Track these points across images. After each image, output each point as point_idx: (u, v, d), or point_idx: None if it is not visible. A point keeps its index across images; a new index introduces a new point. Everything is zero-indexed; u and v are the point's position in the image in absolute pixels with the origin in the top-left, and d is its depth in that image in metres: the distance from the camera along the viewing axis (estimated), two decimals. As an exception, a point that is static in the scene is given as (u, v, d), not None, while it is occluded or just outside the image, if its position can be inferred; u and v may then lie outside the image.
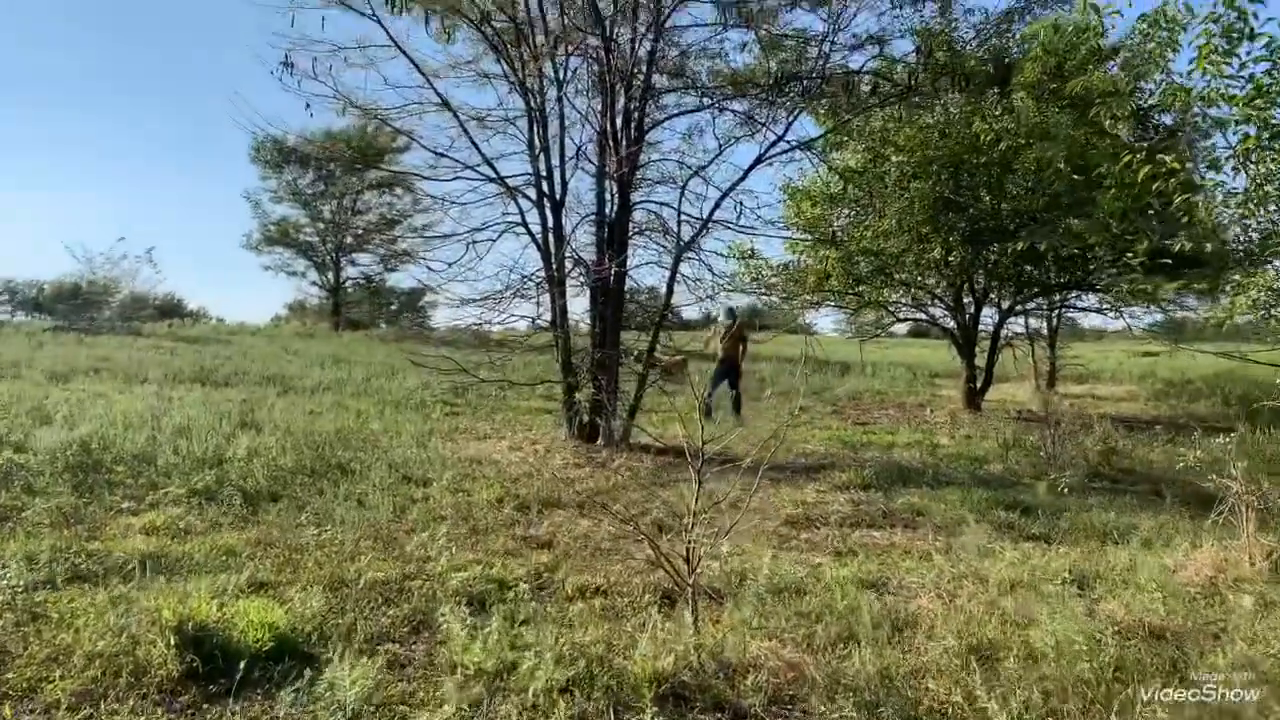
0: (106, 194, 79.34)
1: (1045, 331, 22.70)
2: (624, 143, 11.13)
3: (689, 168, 11.81)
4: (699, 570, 4.65)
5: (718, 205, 11.57)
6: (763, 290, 15.62)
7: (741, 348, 15.57)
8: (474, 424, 12.96)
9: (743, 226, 11.47)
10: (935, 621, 4.91)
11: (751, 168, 11.79)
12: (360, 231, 40.61)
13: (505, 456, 10.38)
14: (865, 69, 11.27)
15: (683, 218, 11.66)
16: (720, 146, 12.15)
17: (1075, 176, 9.20)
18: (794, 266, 16.28)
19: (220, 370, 17.11)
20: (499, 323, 11.68)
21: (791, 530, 7.18)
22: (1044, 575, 5.77)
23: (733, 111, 12.02)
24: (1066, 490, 8.53)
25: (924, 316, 18.33)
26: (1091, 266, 15.65)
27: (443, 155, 11.54)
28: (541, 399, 15.39)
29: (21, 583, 5.09)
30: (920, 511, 7.92)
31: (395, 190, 39.61)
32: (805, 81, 10.72)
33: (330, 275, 40.60)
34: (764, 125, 11.39)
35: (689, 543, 4.53)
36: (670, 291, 11.76)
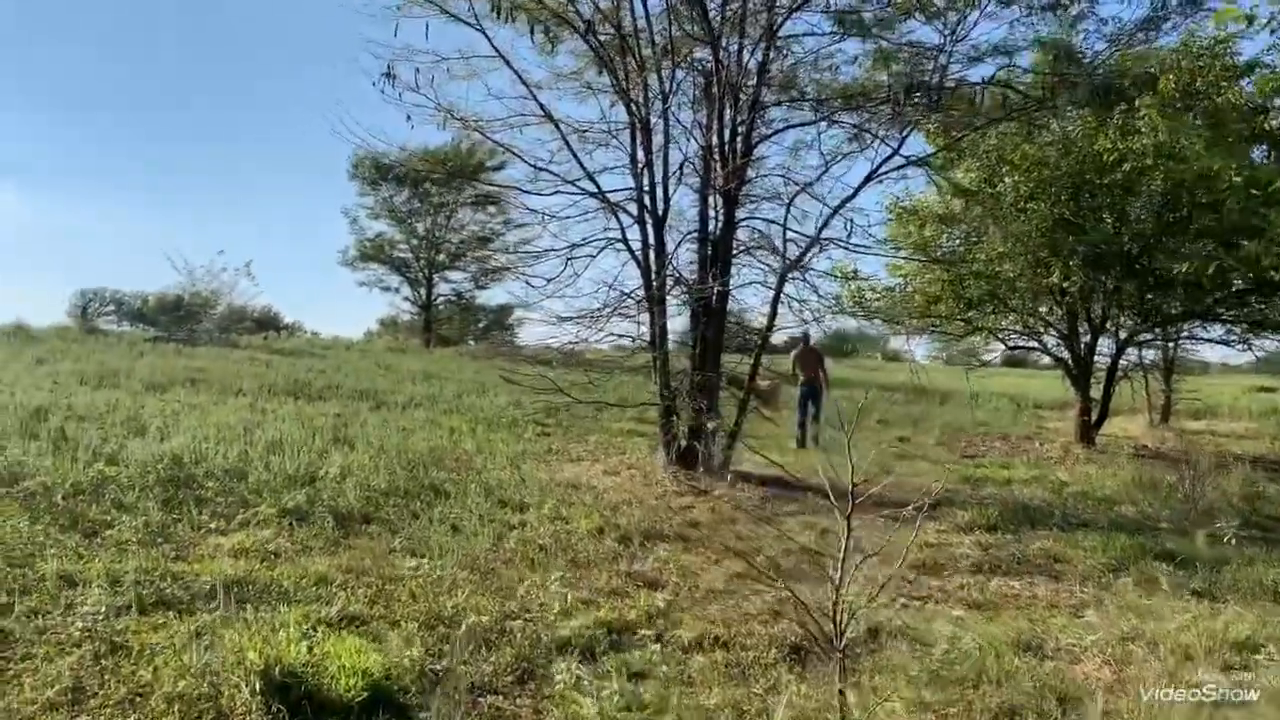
0: (203, 206, 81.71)
1: (1160, 363, 21.45)
2: (731, 157, 10.66)
3: (795, 184, 11.26)
4: (847, 633, 4.07)
5: (827, 223, 11.00)
6: (865, 314, 14.91)
7: (821, 371, 15.11)
8: (566, 445, 12.57)
9: (855, 245, 10.87)
10: (1107, 694, 4.27)
11: (865, 183, 11.20)
12: (456, 246, 40.81)
13: (601, 481, 9.95)
14: (994, 79, 10.58)
15: (788, 235, 11.15)
16: (826, 162, 11.58)
17: (1253, 192, 8.43)
18: (900, 290, 15.57)
19: (314, 384, 17.05)
20: (596, 341, 11.30)
21: (919, 576, 6.55)
22: (1223, 640, 5.06)
23: (846, 125, 11.44)
24: (1232, 540, 7.67)
25: (1035, 345, 17.39)
26: (1218, 294, 14.67)
27: (542, 169, 11.19)
28: (633, 421, 14.98)
29: (103, 608, 4.78)
30: (1058, 558, 7.22)
31: (488, 208, 39.83)
32: (930, 93, 10.07)
33: (423, 291, 40.90)
34: (879, 138, 10.80)
35: (836, 601, 3.96)
36: (774, 313, 11.20)
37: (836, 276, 12.72)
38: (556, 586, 5.57)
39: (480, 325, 47.23)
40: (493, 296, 44.70)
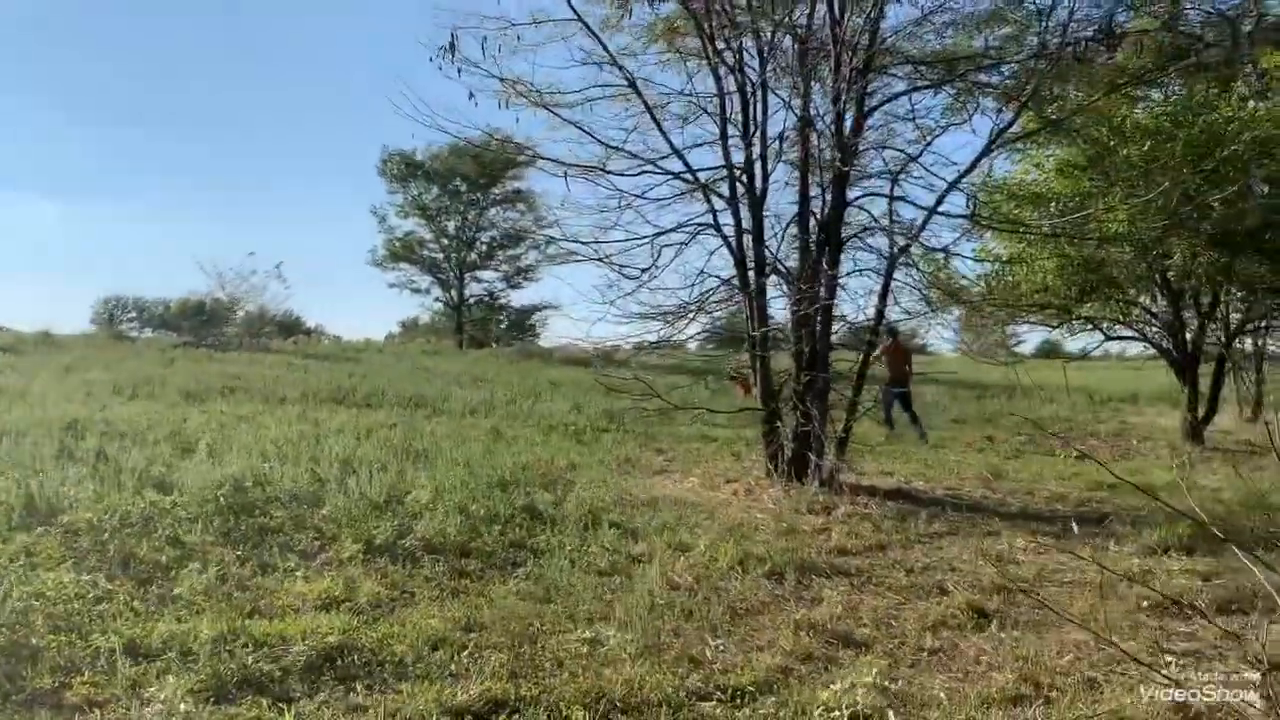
0: (210, 210, 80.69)
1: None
2: (839, 128, 9.47)
3: (905, 154, 10.05)
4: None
5: (943, 197, 9.77)
6: (969, 303, 13.57)
7: (907, 367, 15.04)
8: (641, 455, 11.38)
9: (983, 220, 9.64)
10: None
11: (986, 152, 9.99)
12: (495, 240, 39.70)
13: (702, 497, 8.80)
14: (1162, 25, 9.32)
15: (895, 219, 9.99)
16: (925, 136, 10.35)
17: None
18: (997, 278, 14.27)
19: (358, 390, 15.97)
20: (674, 340, 10.25)
21: (1151, 619, 5.30)
22: None
23: (960, 89, 10.19)
24: None
25: (1133, 335, 16.06)
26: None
27: (616, 149, 10.04)
28: (704, 426, 13.78)
29: (179, 695, 3.65)
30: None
31: (518, 206, 38.86)
32: (1103, 41, 8.79)
33: (454, 292, 39.85)
34: (1019, 100, 9.49)
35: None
36: (883, 304, 9.98)
37: (940, 256, 11.38)
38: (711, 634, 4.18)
39: (502, 326, 46.15)
40: (526, 296, 43.75)
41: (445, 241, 39.31)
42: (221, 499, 6.48)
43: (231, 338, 26.02)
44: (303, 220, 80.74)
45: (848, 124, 9.57)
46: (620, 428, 13.67)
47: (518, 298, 43.15)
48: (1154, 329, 15.61)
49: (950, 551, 6.88)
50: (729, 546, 6.41)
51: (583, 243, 10.17)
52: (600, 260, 9.49)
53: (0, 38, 73.63)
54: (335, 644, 4.29)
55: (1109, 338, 16.10)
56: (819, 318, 9.43)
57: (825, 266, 9.24)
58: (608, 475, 9.42)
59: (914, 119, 10.42)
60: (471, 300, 40.93)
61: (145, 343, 24.76)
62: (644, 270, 9.39)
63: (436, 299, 41.10)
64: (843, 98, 9.22)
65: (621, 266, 9.47)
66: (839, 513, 8.12)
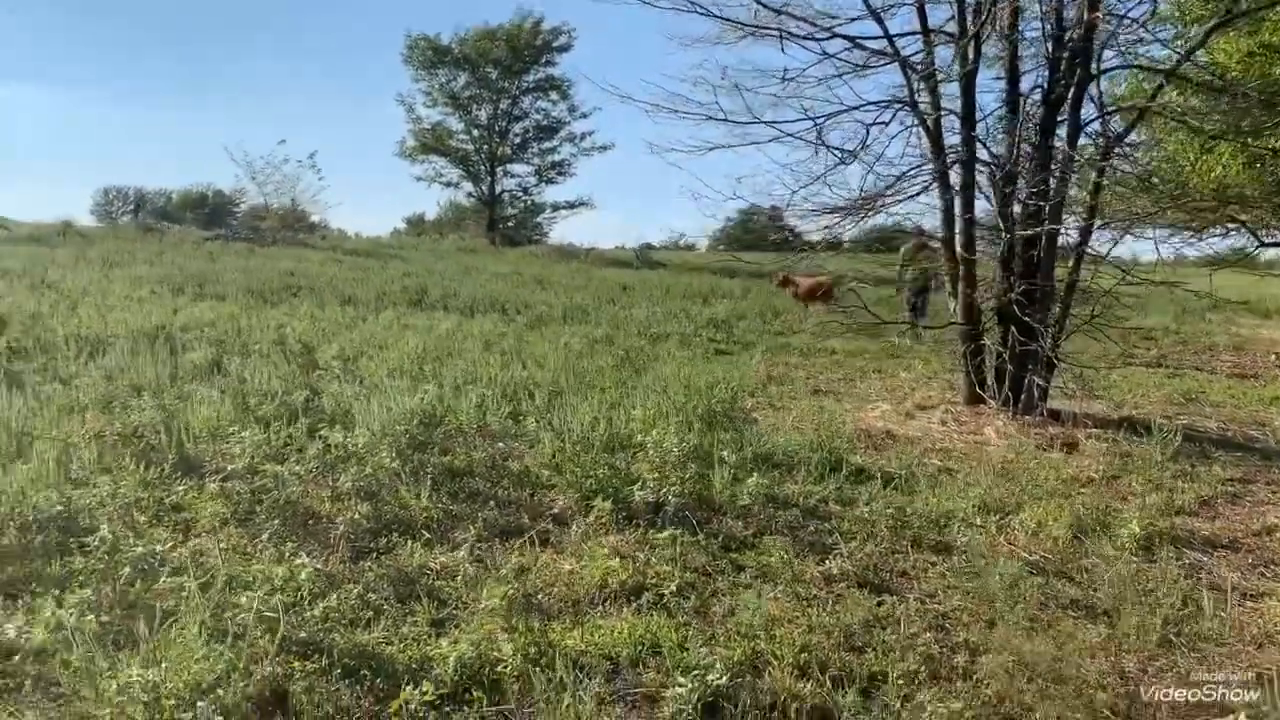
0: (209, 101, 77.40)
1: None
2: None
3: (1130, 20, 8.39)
4: None
5: (1175, 68, 8.23)
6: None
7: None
8: (781, 370, 9.98)
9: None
10: None
11: (1227, 21, 8.45)
12: (523, 135, 37.30)
13: (909, 429, 7.39)
14: None
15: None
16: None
17: None
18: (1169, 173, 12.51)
19: (430, 292, 14.44)
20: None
21: None
22: None
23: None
24: None
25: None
26: None
27: (779, 12, 8.36)
28: (816, 339, 12.31)
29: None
30: None
31: (550, 95, 36.52)
32: None
33: (484, 186, 37.65)
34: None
35: None
36: (1096, 199, 8.40)
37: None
38: None
39: (510, 225, 44.11)
40: (559, 193, 41.87)
41: (476, 132, 37.01)
42: (409, 435, 5.04)
43: (266, 231, 24.27)
44: (282, 110, 77.54)
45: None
46: (731, 339, 12.29)
47: (560, 193, 41.39)
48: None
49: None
50: (1051, 508, 5.02)
51: (742, 122, 8.56)
52: (798, 138, 7.89)
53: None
54: (722, 686, 2.90)
55: (1263, 244, 14.48)
56: (1036, 214, 7.88)
57: (1063, 149, 7.64)
58: (786, 401, 8.03)
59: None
60: (505, 195, 38.76)
61: (177, 235, 23.04)
62: (849, 152, 7.80)
63: (468, 194, 38.95)
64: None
65: (830, 148, 7.87)
66: (1091, 449, 6.76)
